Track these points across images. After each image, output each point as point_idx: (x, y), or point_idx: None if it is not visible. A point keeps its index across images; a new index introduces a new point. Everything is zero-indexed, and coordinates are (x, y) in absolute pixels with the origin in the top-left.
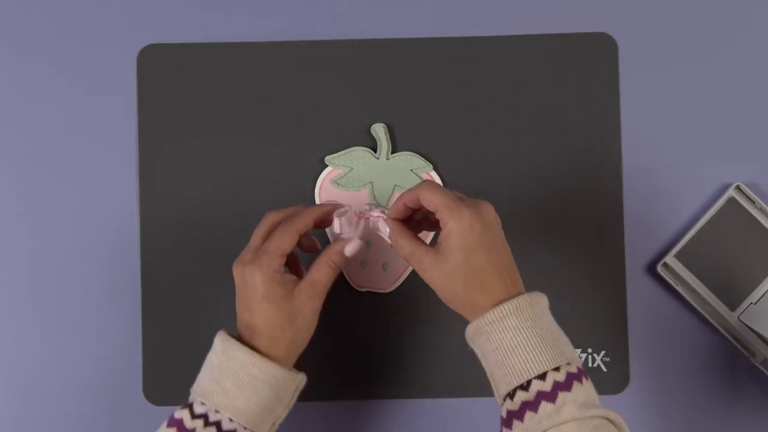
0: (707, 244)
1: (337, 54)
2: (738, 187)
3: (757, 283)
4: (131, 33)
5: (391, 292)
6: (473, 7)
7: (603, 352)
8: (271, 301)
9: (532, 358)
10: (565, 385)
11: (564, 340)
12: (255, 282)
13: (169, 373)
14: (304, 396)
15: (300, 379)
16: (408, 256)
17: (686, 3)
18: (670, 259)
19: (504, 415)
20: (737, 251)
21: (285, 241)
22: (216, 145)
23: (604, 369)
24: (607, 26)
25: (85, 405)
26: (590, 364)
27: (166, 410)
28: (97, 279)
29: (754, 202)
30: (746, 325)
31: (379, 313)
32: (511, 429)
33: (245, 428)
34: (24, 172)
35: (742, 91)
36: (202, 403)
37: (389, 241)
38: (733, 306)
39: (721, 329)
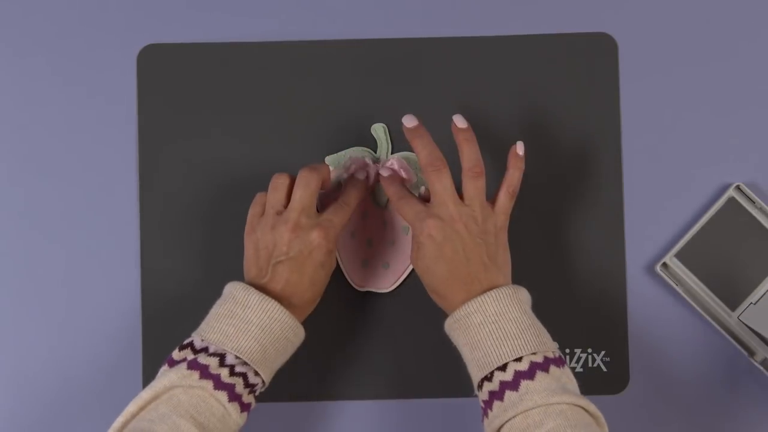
0: (707, 244)
1: (337, 54)
2: (738, 187)
3: (757, 283)
4: (131, 33)
5: (391, 292)
6: (473, 7)
7: (603, 352)
8: (326, 268)
9: (492, 351)
10: (528, 374)
11: (532, 332)
12: (321, 251)
13: None
14: (303, 396)
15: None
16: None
17: (686, 3)
18: (669, 259)
19: (481, 405)
20: (737, 251)
21: (345, 221)
22: (216, 145)
23: (604, 369)
24: (607, 26)
25: (85, 405)
26: (590, 364)
27: None
28: (97, 279)
29: (754, 202)
30: (746, 325)
31: (379, 313)
32: (487, 417)
33: (263, 383)
34: (24, 172)
35: (742, 91)
36: (245, 363)
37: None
38: (733, 306)
39: (721, 329)
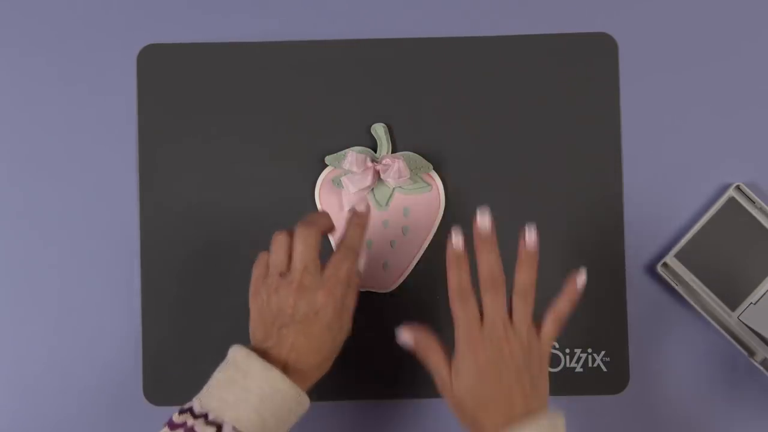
0: (707, 244)
1: (336, 54)
2: (738, 187)
3: (757, 283)
4: (131, 33)
5: (391, 292)
6: (473, 7)
7: (603, 352)
8: (333, 330)
9: None
10: None
11: None
12: (327, 310)
13: (169, 373)
14: None
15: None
16: (432, 373)
17: (686, 3)
18: (670, 259)
19: None
20: (737, 251)
21: (352, 270)
22: (216, 145)
23: (604, 369)
24: (607, 26)
25: (86, 405)
26: (590, 364)
27: (166, 410)
28: (97, 279)
29: (754, 202)
30: (746, 325)
31: (379, 313)
32: None
33: None
34: (24, 172)
35: (742, 91)
36: None
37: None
38: (733, 306)
39: (721, 329)
